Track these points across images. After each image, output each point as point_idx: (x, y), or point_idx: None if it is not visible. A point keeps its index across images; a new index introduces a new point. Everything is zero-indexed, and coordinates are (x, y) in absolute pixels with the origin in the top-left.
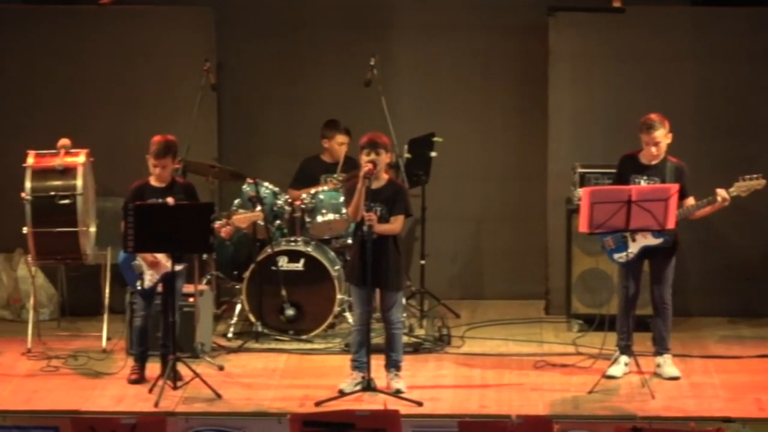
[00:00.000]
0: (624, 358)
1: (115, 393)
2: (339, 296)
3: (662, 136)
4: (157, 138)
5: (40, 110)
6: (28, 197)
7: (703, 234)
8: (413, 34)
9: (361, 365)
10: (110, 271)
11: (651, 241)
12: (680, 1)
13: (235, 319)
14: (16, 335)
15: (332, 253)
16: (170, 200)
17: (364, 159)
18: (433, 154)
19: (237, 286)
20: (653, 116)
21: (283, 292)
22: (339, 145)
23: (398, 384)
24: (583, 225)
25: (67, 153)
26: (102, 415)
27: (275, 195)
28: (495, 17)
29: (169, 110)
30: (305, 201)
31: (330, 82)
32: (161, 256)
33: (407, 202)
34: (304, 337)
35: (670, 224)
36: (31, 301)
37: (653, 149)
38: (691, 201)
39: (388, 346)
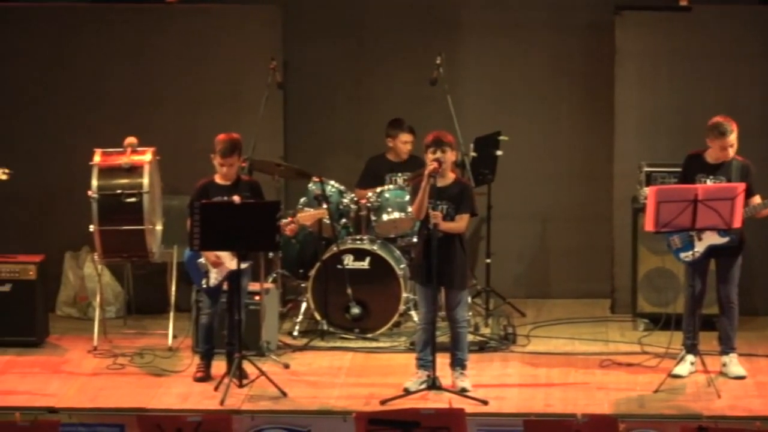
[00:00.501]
0: (690, 357)
1: (181, 391)
2: (404, 295)
3: (734, 139)
4: (222, 136)
5: (107, 108)
6: (95, 195)
7: None
8: (479, 32)
9: (426, 364)
10: (176, 269)
11: (717, 240)
12: (747, 0)
13: (300, 317)
14: (82, 333)
15: (398, 252)
16: (236, 198)
17: (430, 157)
18: (499, 152)
19: (303, 285)
20: (722, 120)
21: (349, 291)
22: (403, 143)
23: (463, 382)
24: (649, 224)
25: (134, 151)
26: (168, 413)
27: (341, 193)
28: (561, 16)
29: (236, 108)
30: (371, 199)
31: (396, 80)
32: (226, 255)
33: (473, 201)
34: (369, 335)
35: (737, 223)
36: (98, 299)
37: (728, 151)
38: (757, 200)
39: (453, 345)
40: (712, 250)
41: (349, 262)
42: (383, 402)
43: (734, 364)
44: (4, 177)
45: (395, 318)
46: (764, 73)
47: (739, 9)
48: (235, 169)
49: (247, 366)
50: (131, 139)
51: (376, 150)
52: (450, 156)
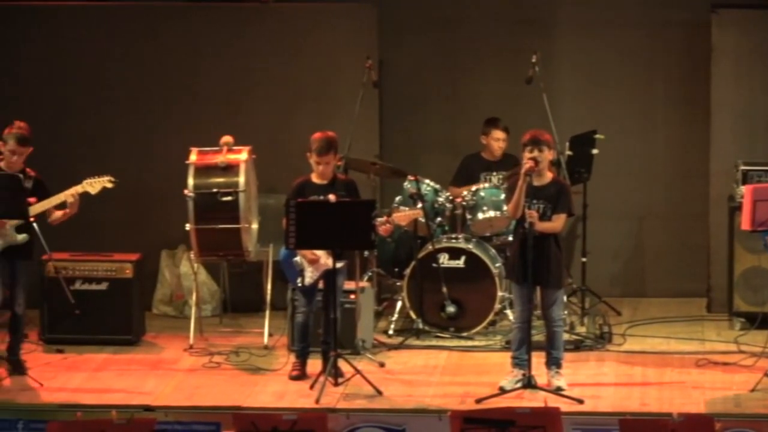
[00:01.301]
0: None
1: (277, 389)
2: (500, 293)
3: None
4: (318, 135)
5: (204, 107)
6: (191, 194)
7: None
8: (575, 30)
9: (521, 362)
10: (272, 268)
11: None
12: None
13: (395, 315)
14: (178, 331)
15: (493, 251)
16: (332, 197)
17: (526, 156)
18: (595, 151)
19: (398, 283)
20: None
21: (444, 289)
22: (495, 140)
23: (559, 381)
24: (745, 223)
25: (230, 150)
26: (263, 411)
27: (436, 192)
28: (657, 14)
29: (331, 107)
30: (466, 198)
31: (491, 79)
32: (321, 253)
33: (570, 200)
34: (464, 334)
35: None
36: (194, 297)
37: None
38: None
39: (548, 344)
40: None
41: (444, 260)
42: (478, 401)
43: None
44: (109, 185)
45: (490, 317)
46: None
47: None
48: (332, 168)
49: (342, 364)
50: (227, 138)
51: (470, 148)
52: (546, 155)
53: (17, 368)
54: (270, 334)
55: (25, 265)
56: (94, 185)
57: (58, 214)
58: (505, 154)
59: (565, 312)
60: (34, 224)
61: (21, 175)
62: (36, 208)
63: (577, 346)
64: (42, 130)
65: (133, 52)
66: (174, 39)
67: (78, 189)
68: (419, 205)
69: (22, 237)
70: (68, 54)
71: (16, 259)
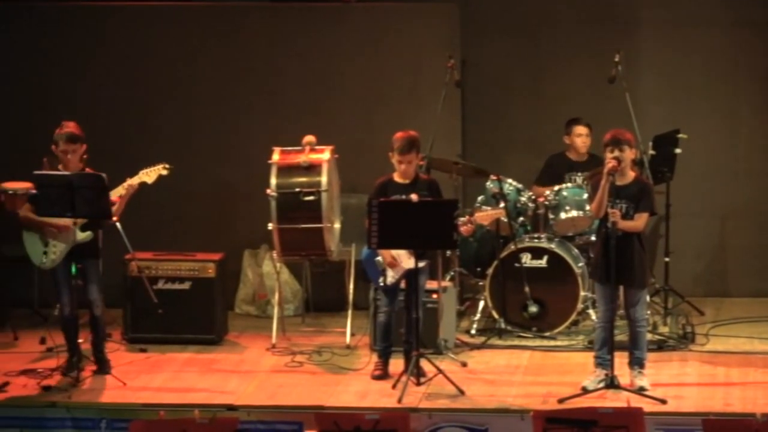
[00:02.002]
0: None
1: (359, 389)
2: (582, 293)
3: None
4: (400, 134)
5: (286, 107)
6: (274, 193)
7: None
8: (659, 29)
9: (604, 362)
10: (354, 267)
11: None
12: None
13: (478, 315)
14: (261, 331)
15: (575, 250)
16: (414, 197)
17: (609, 156)
18: (678, 150)
19: (480, 283)
20: None
21: (527, 289)
22: (578, 136)
23: (642, 381)
24: None
25: (312, 150)
26: (345, 411)
27: (519, 192)
28: (743, 12)
29: (413, 107)
30: (548, 198)
31: (574, 78)
32: (403, 253)
33: (652, 200)
34: (547, 333)
35: None
36: (276, 297)
37: None
38: None
39: (631, 344)
40: None
41: (526, 260)
42: (561, 400)
43: None
44: (164, 172)
45: (573, 316)
46: None
47: None
48: (414, 167)
49: (424, 364)
50: (310, 138)
51: (553, 148)
52: (629, 154)
53: (102, 367)
54: (352, 334)
55: (94, 263)
56: (150, 174)
57: (113, 208)
58: (589, 155)
59: (648, 312)
60: (118, 224)
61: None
62: None
63: (660, 346)
64: (125, 130)
65: (217, 51)
66: (257, 39)
67: (134, 180)
68: (502, 204)
69: (85, 235)
70: (152, 53)
71: (85, 259)
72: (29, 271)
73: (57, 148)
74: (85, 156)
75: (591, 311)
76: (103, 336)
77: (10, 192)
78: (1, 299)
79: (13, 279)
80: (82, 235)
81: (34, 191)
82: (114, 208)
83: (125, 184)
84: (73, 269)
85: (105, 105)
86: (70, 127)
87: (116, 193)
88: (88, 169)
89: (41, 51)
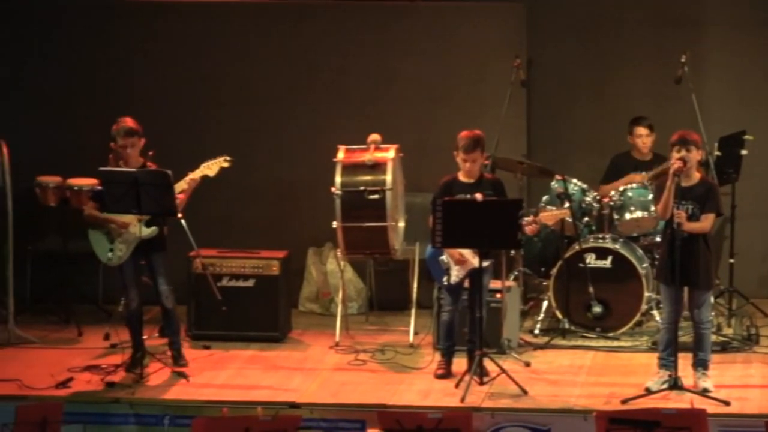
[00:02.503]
0: None
1: (422, 387)
2: (646, 294)
3: None
4: (465, 133)
5: (351, 105)
6: (338, 192)
7: None
8: (725, 30)
9: (668, 363)
10: (418, 266)
11: None
12: None
13: (542, 315)
14: (324, 329)
15: (640, 251)
16: (478, 196)
17: (674, 156)
18: (744, 152)
19: (544, 283)
20: None
21: (591, 289)
22: (638, 137)
23: (705, 383)
24: None
25: (377, 148)
26: (408, 410)
27: (583, 192)
28: None
29: (478, 106)
30: (613, 198)
31: (640, 78)
32: (468, 252)
33: (718, 200)
34: (610, 334)
35: None
36: (340, 295)
37: None
38: None
39: (695, 345)
40: None
41: (591, 260)
42: (624, 401)
43: None
44: (225, 164)
45: (637, 317)
46: None
47: None
48: (478, 166)
49: (487, 363)
50: (375, 136)
51: (618, 148)
52: (695, 155)
53: (179, 360)
54: (415, 333)
55: (161, 256)
56: (211, 167)
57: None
58: (654, 154)
59: (713, 313)
60: (183, 221)
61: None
62: None
63: (724, 347)
64: (189, 128)
65: (284, 49)
66: (324, 36)
67: (196, 173)
68: (566, 204)
69: (150, 230)
70: (216, 52)
71: (151, 253)
72: (94, 268)
73: (116, 143)
74: (150, 153)
75: (655, 312)
76: (176, 329)
77: (76, 188)
78: (65, 295)
79: (77, 275)
80: (147, 231)
81: (98, 188)
82: (177, 204)
83: (187, 178)
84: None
85: (172, 102)
86: (126, 121)
87: (178, 188)
88: (150, 164)
89: (104, 48)
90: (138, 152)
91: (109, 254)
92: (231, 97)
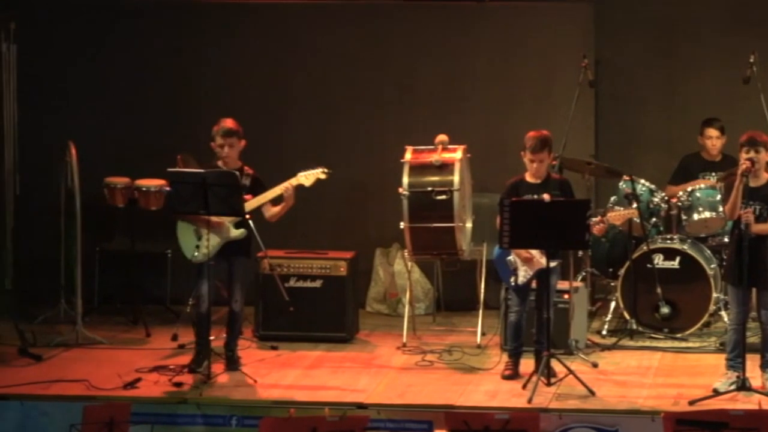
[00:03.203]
0: None
1: (489, 388)
2: (714, 295)
3: None
4: (532, 133)
5: (419, 106)
6: (406, 192)
7: None
8: None
9: (736, 365)
10: (485, 267)
11: None
12: None
13: (609, 316)
14: (391, 329)
15: (708, 252)
16: (546, 196)
17: (743, 156)
18: None
19: (612, 284)
20: None
21: (659, 290)
22: (708, 139)
23: None
24: None
25: (445, 149)
26: (476, 410)
27: (651, 192)
28: None
29: (546, 106)
30: (681, 198)
31: (708, 78)
32: (535, 253)
33: None
34: (678, 335)
35: None
36: (408, 295)
37: None
38: None
39: (763, 346)
40: None
41: (659, 261)
42: (692, 402)
43: None
44: (323, 176)
45: (705, 318)
46: None
47: None
48: (545, 167)
49: (555, 364)
50: (442, 137)
51: (687, 148)
52: (764, 156)
53: (232, 363)
54: (483, 333)
55: (243, 262)
56: (308, 177)
57: (275, 210)
58: (724, 155)
59: None
60: (250, 221)
61: (237, 173)
62: (251, 203)
63: None
64: (258, 128)
65: (351, 50)
66: (391, 38)
67: (292, 182)
68: (634, 205)
69: (239, 232)
70: (287, 53)
71: (234, 256)
72: (162, 268)
73: (215, 143)
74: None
75: (723, 313)
76: (237, 333)
77: (144, 189)
78: (133, 296)
79: (145, 276)
80: (235, 233)
81: (167, 188)
82: (276, 210)
83: (282, 186)
84: None
85: (241, 103)
86: (226, 122)
87: (272, 193)
88: (247, 168)
89: (174, 49)
90: (237, 153)
91: (195, 251)
92: (301, 97)
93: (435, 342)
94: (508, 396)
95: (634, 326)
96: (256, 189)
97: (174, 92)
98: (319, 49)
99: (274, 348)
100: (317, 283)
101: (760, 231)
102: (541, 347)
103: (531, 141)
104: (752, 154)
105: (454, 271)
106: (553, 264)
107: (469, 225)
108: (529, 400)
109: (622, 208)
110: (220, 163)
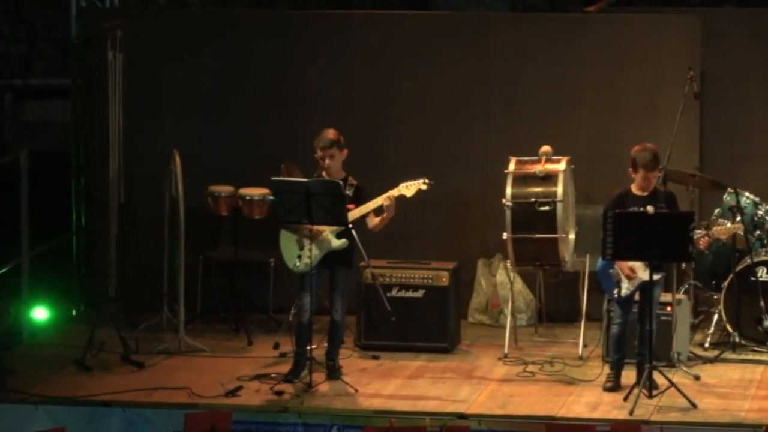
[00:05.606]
0: None
1: (590, 400)
2: None
3: None
4: (641, 149)
5: (523, 116)
6: (509, 203)
7: None
8: None
9: None
10: (588, 278)
11: None
12: None
13: (712, 329)
14: (493, 340)
15: None
16: (650, 209)
17: None
18: None
19: (715, 296)
20: None
21: (762, 303)
22: None
23: None
24: None
25: (549, 160)
26: (577, 422)
27: (756, 205)
28: None
29: (651, 118)
30: None
31: None
32: (638, 265)
33: None
34: None
35: None
36: (510, 306)
37: None
38: None
39: None
40: None
41: (762, 274)
42: None
43: None
44: (424, 187)
45: None
46: None
47: None
48: (655, 181)
49: (657, 377)
50: (546, 148)
51: None
52: None
53: (333, 373)
54: (585, 345)
55: (345, 272)
56: (410, 188)
57: (377, 220)
58: None
59: None
60: (353, 231)
61: (341, 182)
62: (354, 213)
63: None
64: (363, 138)
65: (456, 61)
66: (497, 48)
67: (394, 192)
68: (738, 218)
69: (341, 242)
70: (392, 64)
71: (336, 266)
72: (265, 277)
73: (316, 154)
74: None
75: None
76: (338, 343)
77: (247, 198)
78: (236, 304)
79: (248, 284)
80: (337, 243)
81: (271, 197)
82: (378, 221)
83: (384, 196)
84: None
85: (346, 114)
86: (328, 133)
87: (374, 204)
88: (351, 178)
89: (278, 59)
90: (339, 163)
91: (297, 261)
92: (405, 107)
93: (536, 353)
94: (610, 408)
95: (737, 339)
96: (359, 199)
97: (278, 101)
98: (424, 60)
99: (375, 357)
100: (419, 293)
101: None
102: (643, 359)
103: (644, 159)
104: None
105: (556, 282)
106: (656, 277)
107: (572, 236)
108: (631, 412)
109: (727, 222)
110: (324, 173)
